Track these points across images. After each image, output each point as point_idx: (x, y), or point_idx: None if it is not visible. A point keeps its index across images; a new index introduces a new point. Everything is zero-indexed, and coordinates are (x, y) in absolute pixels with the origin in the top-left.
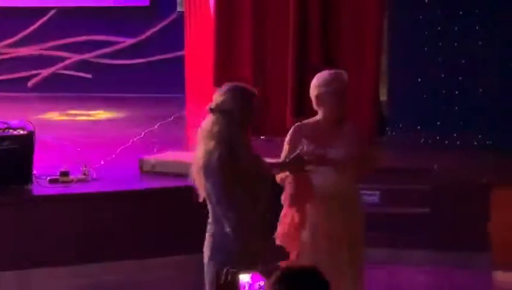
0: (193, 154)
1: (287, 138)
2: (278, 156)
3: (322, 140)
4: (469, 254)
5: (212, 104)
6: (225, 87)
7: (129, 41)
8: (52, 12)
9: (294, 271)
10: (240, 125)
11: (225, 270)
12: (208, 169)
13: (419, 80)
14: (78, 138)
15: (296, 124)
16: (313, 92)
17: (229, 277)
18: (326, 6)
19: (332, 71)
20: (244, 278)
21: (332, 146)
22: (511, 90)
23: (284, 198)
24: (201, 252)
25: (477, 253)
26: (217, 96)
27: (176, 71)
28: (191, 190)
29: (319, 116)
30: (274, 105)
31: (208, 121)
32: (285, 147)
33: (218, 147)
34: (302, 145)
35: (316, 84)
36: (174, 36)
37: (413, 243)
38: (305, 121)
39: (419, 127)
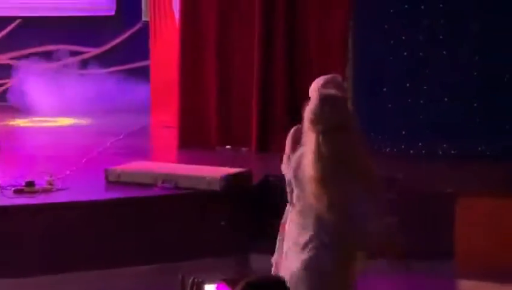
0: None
1: (287, 142)
2: (244, 166)
3: None
4: (434, 263)
5: (325, 126)
6: (322, 100)
7: (94, 51)
8: (17, 22)
9: (259, 281)
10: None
11: (191, 279)
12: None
13: (384, 89)
14: (44, 147)
15: (294, 127)
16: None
17: (195, 287)
18: (292, 16)
19: (330, 75)
20: (210, 288)
21: None
22: (475, 100)
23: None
24: (167, 261)
25: (442, 261)
26: (322, 114)
27: (141, 81)
28: (157, 200)
29: None
30: (239, 114)
31: (327, 147)
32: (286, 150)
33: (363, 179)
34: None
35: (314, 87)
36: (139, 46)
37: (379, 251)
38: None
39: (385, 136)
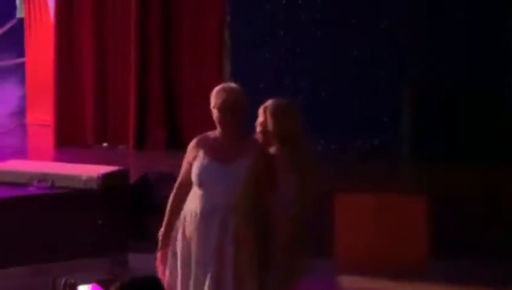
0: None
1: (188, 150)
2: (121, 163)
3: (221, 155)
4: (313, 261)
5: None
6: None
7: None
8: None
9: (134, 281)
10: None
11: (63, 281)
12: None
13: (261, 85)
14: None
15: (198, 136)
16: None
17: (67, 289)
18: (167, 15)
19: (222, 85)
20: (83, 289)
21: (231, 163)
22: (353, 94)
23: None
24: (41, 262)
25: (321, 259)
26: None
27: (17, 79)
28: (32, 200)
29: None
30: (116, 112)
31: None
32: (184, 161)
33: None
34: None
35: (211, 97)
36: (14, 43)
37: None
38: (207, 134)
39: None
